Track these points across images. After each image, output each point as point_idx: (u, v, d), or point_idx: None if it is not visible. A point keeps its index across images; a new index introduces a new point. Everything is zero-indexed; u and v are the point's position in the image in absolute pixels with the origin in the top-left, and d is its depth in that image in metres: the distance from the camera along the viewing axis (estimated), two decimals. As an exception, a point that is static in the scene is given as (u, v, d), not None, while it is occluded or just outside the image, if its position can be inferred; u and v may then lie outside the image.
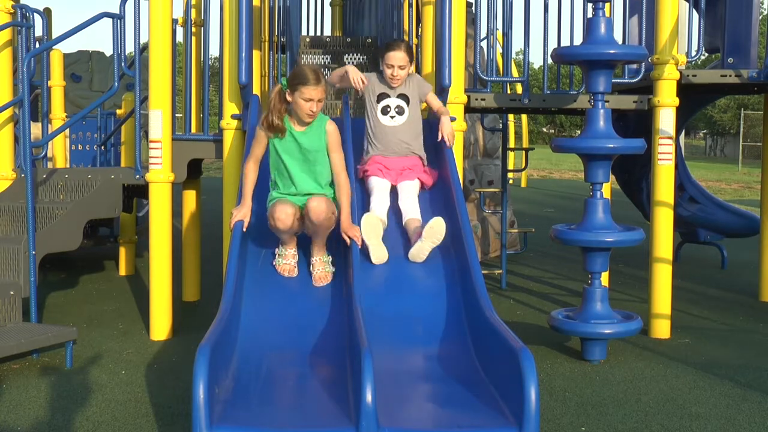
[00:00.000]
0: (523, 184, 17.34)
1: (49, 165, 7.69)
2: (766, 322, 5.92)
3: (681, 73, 5.50)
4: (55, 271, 7.50)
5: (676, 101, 5.42)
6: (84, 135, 8.43)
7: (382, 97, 4.79)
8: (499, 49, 9.44)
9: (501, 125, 7.34)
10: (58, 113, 7.91)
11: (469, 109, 5.73)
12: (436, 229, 4.22)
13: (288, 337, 3.88)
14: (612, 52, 4.79)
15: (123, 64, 5.75)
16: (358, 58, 7.68)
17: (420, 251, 4.26)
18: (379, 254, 4.25)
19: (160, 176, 5.33)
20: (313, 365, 3.67)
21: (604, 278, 5.85)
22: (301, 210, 4.14)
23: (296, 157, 4.19)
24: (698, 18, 5.76)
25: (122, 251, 7.60)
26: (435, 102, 4.93)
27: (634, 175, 8.42)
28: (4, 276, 5.02)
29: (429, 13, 5.36)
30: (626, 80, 5.67)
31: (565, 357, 4.92)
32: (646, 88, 5.71)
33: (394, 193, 4.67)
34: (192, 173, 6.04)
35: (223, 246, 5.28)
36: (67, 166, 8.08)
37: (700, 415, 3.95)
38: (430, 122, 5.02)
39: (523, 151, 8.15)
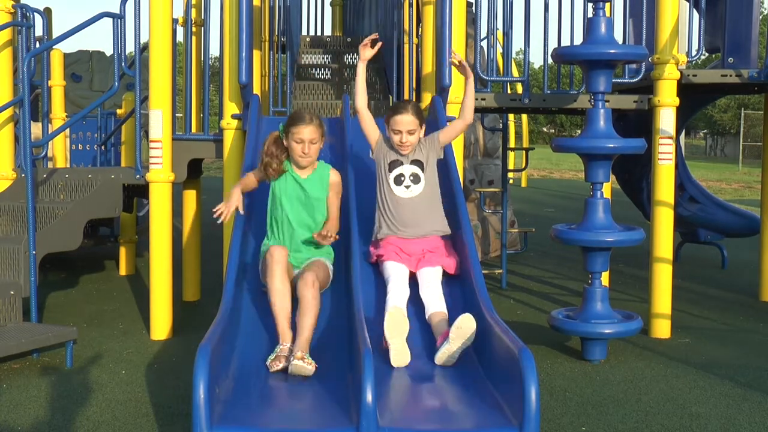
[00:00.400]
0: (524, 183, 17.33)
1: (50, 165, 7.69)
2: (766, 322, 5.92)
3: (681, 72, 5.50)
4: (55, 271, 7.50)
5: (677, 101, 5.42)
6: (84, 135, 8.43)
7: (394, 165, 4.24)
8: (499, 49, 9.43)
9: (501, 125, 7.35)
10: (58, 113, 7.93)
11: (469, 109, 5.72)
12: (464, 329, 3.64)
13: (288, 337, 3.87)
14: (612, 52, 4.79)
15: (123, 64, 5.75)
16: (358, 58, 7.64)
17: (448, 355, 3.67)
18: (400, 358, 3.66)
19: (161, 176, 5.33)
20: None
21: (605, 278, 5.85)
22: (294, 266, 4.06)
23: (295, 202, 4.13)
24: (698, 18, 5.76)
25: (122, 251, 7.61)
26: (451, 125, 4.50)
27: (635, 174, 8.42)
28: (4, 276, 5.02)
29: (429, 13, 5.36)
30: (626, 80, 5.68)
31: (565, 357, 4.92)
32: (647, 87, 5.71)
33: (413, 280, 4.14)
34: (192, 173, 6.04)
35: (223, 246, 5.28)
36: (68, 165, 8.08)
37: (700, 415, 3.95)
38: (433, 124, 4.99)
39: (524, 151, 8.16)
